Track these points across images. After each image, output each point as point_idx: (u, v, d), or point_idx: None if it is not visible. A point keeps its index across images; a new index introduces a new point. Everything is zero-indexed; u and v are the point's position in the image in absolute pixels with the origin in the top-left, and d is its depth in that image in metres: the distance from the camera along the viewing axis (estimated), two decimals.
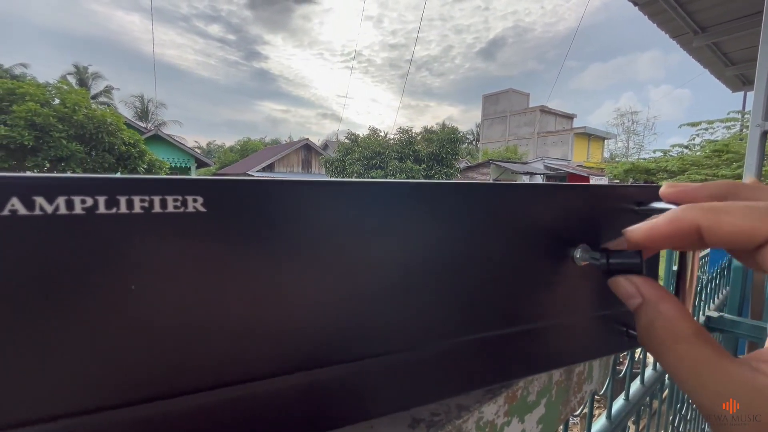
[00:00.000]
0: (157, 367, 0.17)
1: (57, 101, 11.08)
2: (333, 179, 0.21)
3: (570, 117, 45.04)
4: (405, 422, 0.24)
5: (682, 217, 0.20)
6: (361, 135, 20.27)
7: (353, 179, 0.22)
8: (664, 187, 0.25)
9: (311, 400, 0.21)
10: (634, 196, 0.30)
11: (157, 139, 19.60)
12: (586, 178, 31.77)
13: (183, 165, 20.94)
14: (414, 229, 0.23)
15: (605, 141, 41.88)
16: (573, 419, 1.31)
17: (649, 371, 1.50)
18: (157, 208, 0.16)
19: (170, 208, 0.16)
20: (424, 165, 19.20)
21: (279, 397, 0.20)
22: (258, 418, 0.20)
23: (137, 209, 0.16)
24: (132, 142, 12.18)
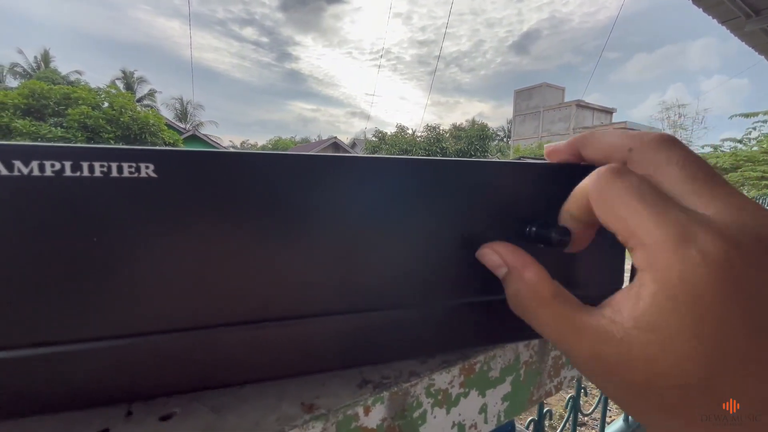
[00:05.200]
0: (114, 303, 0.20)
1: (106, 104, 11.92)
2: (279, 151, 0.23)
3: (609, 112, 42.76)
4: (355, 382, 0.26)
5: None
6: (388, 133, 20.31)
7: (304, 153, 0.24)
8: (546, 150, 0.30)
9: (272, 349, 0.24)
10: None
11: (195, 139, 20.61)
12: None
13: None
14: (376, 200, 0.25)
15: None
16: (584, 418, 1.28)
17: None
18: (114, 173, 0.19)
19: (126, 174, 0.19)
20: None
21: (242, 344, 0.23)
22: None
23: (97, 173, 0.19)
24: (172, 142, 12.90)
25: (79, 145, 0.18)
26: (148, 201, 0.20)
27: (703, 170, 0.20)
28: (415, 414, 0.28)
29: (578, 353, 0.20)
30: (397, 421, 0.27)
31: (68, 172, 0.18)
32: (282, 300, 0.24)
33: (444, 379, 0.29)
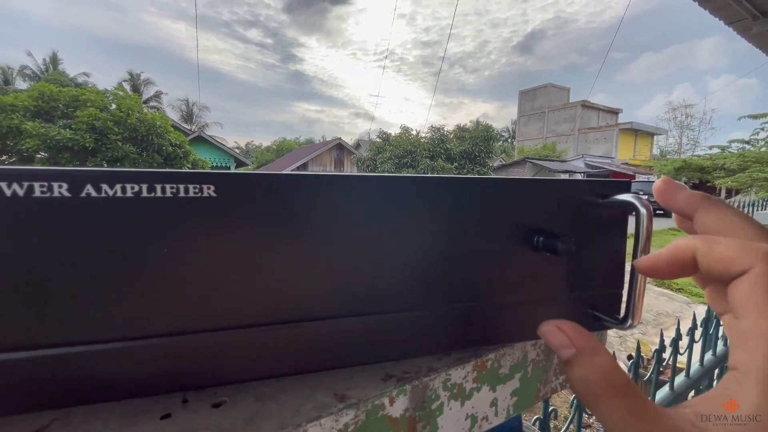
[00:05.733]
0: (174, 305, 0.23)
1: (114, 106, 12.06)
2: (315, 173, 0.26)
3: (615, 112, 42.49)
4: (379, 376, 0.29)
5: (681, 244, 0.22)
6: (392, 134, 20.33)
7: (332, 173, 0.27)
8: (658, 182, 0.27)
9: (306, 346, 0.27)
10: (600, 189, 0.33)
11: (201, 140, 20.79)
12: (632, 177, 29.93)
13: (224, 164, 22.11)
14: (401, 216, 0.28)
15: (654, 137, 39.12)
16: (589, 419, 1.30)
17: (680, 378, 1.43)
18: (179, 194, 0.22)
19: (191, 194, 0.22)
20: (456, 163, 18.92)
21: (280, 341, 0.26)
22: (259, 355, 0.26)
23: (168, 194, 0.22)
24: (178, 143, 13.00)
25: (152, 170, 0.22)
26: (209, 216, 0.23)
27: None
28: (434, 406, 0.31)
29: None
30: (417, 412, 0.29)
31: (145, 194, 0.21)
32: (315, 303, 0.27)
33: (459, 374, 0.32)
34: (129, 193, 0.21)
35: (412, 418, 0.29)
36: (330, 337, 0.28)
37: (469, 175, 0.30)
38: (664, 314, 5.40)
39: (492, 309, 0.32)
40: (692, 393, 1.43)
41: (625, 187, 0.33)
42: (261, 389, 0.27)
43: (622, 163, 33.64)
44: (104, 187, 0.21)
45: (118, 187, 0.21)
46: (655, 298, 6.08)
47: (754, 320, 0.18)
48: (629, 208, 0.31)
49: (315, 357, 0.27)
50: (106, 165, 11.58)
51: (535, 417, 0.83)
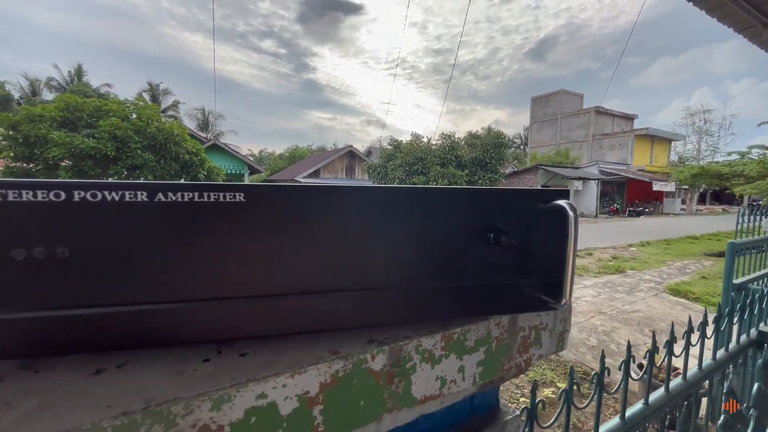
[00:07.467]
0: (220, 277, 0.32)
1: (134, 116, 12.54)
2: (322, 184, 0.35)
3: (630, 118, 41.88)
4: (365, 339, 0.38)
5: None
6: (403, 141, 20.49)
7: (339, 184, 0.36)
8: None
9: (310, 313, 0.36)
10: (544, 196, 0.41)
11: (216, 148, 21.35)
12: (649, 184, 29.23)
13: (238, 172, 22.62)
14: (381, 216, 0.37)
15: (672, 143, 38.35)
16: (577, 411, 1.34)
17: (677, 381, 1.47)
18: (219, 199, 0.31)
19: (227, 199, 0.31)
20: (467, 170, 18.90)
21: (300, 308, 0.35)
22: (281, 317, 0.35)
23: (212, 199, 0.31)
24: (194, 151, 13.39)
25: (200, 182, 0.31)
26: (240, 216, 0.32)
27: None
28: (408, 365, 0.39)
29: None
30: (394, 368, 0.38)
31: (196, 199, 0.31)
32: (317, 280, 0.36)
33: (429, 342, 0.40)
34: (186, 199, 0.31)
35: (389, 372, 0.38)
36: (328, 306, 0.36)
37: (439, 186, 0.39)
38: (679, 323, 5.30)
39: (457, 291, 0.40)
40: (692, 397, 1.46)
41: (564, 195, 0.41)
42: (275, 345, 0.36)
43: (638, 170, 33.01)
44: (169, 194, 0.30)
45: (179, 194, 0.30)
46: (671, 308, 5.98)
47: None
48: (562, 211, 0.39)
49: (316, 321, 0.36)
50: (126, 172, 12.00)
51: (523, 407, 0.89)
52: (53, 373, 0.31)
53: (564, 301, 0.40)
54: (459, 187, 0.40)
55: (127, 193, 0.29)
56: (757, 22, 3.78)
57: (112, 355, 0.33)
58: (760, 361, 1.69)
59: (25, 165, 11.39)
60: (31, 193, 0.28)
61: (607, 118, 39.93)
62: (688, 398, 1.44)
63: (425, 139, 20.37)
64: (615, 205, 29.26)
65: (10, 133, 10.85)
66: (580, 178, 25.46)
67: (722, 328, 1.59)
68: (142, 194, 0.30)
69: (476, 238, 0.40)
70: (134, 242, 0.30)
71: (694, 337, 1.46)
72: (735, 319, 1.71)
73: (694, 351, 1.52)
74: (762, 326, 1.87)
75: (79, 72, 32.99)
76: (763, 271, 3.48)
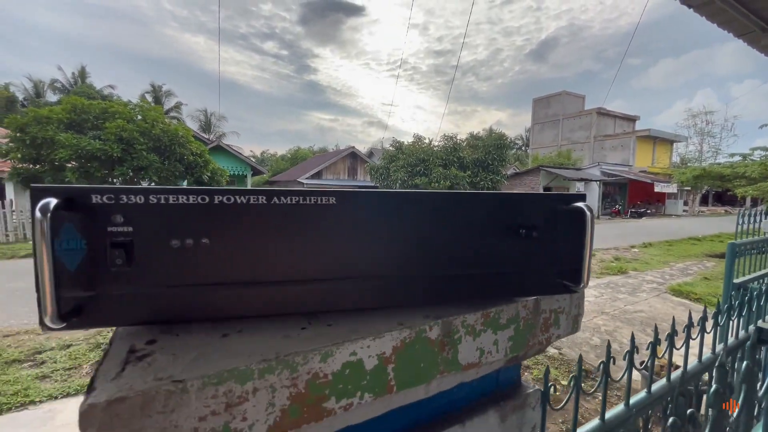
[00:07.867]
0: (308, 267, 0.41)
1: (139, 117, 12.66)
2: (381, 190, 0.44)
3: (632, 119, 41.96)
4: (423, 314, 0.47)
5: None
6: (405, 142, 20.60)
7: (384, 190, 0.45)
8: None
9: (383, 293, 0.45)
10: (565, 199, 0.50)
11: (219, 150, 21.49)
12: (651, 186, 29.29)
13: (241, 173, 22.76)
14: (443, 217, 0.46)
15: (674, 144, 38.39)
16: (586, 396, 1.42)
17: (678, 372, 1.55)
18: (317, 202, 0.40)
19: (323, 202, 0.40)
20: (469, 172, 18.97)
21: (353, 288, 0.44)
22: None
23: (312, 202, 0.40)
24: (199, 152, 13.49)
25: (301, 189, 0.40)
26: (333, 215, 0.41)
27: None
28: (455, 336, 0.48)
29: None
30: (446, 338, 0.47)
31: (301, 202, 0.40)
32: (390, 265, 0.44)
33: (472, 318, 0.49)
34: (293, 202, 0.40)
35: (442, 341, 0.47)
36: (397, 287, 0.45)
37: (482, 191, 0.48)
38: (680, 323, 5.37)
39: (495, 276, 0.49)
40: (693, 388, 1.54)
41: (581, 198, 0.50)
42: (355, 318, 0.45)
43: (640, 171, 33.06)
44: (282, 198, 0.39)
45: (288, 198, 0.39)
46: (673, 308, 6.05)
47: None
48: (581, 211, 0.48)
49: (388, 299, 0.45)
50: (131, 173, 12.11)
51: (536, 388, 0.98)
52: (190, 336, 0.40)
53: (582, 284, 0.49)
54: (501, 192, 0.49)
55: (251, 197, 0.38)
56: (756, 27, 3.87)
57: (227, 324, 0.43)
58: (759, 356, 1.77)
59: (31, 166, 11.52)
60: (185, 197, 0.37)
61: (609, 119, 39.98)
62: (688, 389, 1.52)
63: (427, 141, 20.47)
64: (617, 206, 29.27)
65: (18, 135, 10.98)
66: (581, 180, 25.51)
67: (721, 324, 1.67)
68: (262, 198, 0.39)
69: (510, 233, 0.49)
70: (255, 235, 0.39)
71: (695, 332, 1.55)
72: (734, 316, 1.79)
73: (695, 351, 1.60)
74: (761, 323, 1.96)
75: (82, 73, 33.24)
76: (763, 271, 3.56)
